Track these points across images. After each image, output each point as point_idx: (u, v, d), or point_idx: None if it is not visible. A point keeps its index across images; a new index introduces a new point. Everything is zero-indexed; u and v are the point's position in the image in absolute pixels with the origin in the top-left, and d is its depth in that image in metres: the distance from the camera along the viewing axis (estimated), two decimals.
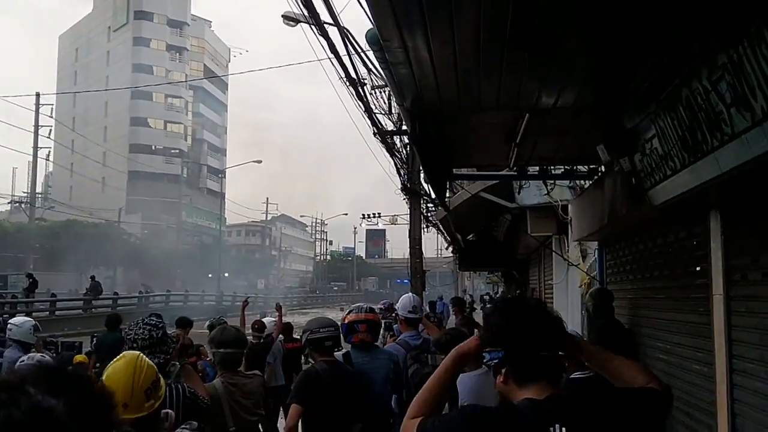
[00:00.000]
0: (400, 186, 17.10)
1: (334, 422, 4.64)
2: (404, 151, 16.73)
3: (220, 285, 57.90)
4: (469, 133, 6.16)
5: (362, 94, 11.62)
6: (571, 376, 5.06)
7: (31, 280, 29.74)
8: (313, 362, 4.88)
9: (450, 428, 1.89)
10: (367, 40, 4.24)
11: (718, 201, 4.01)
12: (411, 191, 16.15)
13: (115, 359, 2.91)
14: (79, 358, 12.63)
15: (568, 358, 5.03)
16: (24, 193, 55.53)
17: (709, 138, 3.12)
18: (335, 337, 4.92)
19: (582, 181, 9.81)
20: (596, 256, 8.27)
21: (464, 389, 4.85)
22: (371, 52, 7.05)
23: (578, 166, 7.73)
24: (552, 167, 7.76)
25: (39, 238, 50.40)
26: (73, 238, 50.26)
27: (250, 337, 9.32)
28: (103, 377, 2.81)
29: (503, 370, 2.02)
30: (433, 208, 18.46)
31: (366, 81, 11.41)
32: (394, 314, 6.40)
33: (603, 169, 7.26)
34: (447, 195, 14.57)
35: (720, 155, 3.04)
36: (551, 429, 1.80)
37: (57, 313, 29.42)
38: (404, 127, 15.98)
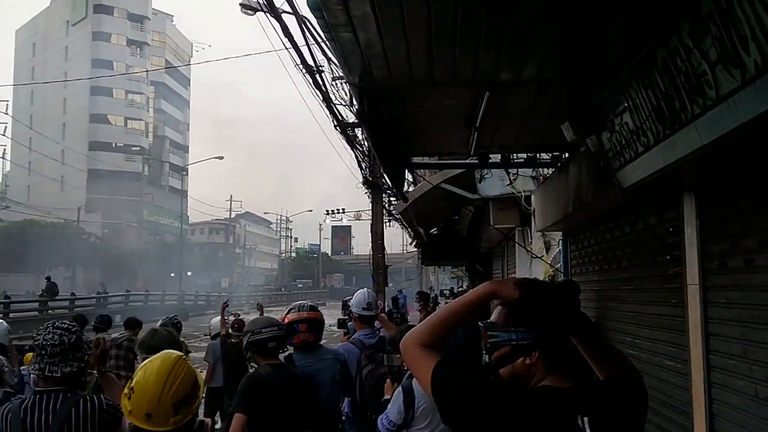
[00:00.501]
0: (362, 180, 16.71)
1: (282, 431, 4.20)
2: (366, 144, 16.36)
3: (183, 284, 56.90)
4: (426, 117, 5.75)
5: (320, 82, 11.16)
6: None
7: None
8: (256, 366, 4.42)
9: (465, 395, 1.75)
10: (309, 6, 3.81)
11: (694, 180, 3.64)
12: (372, 185, 15.73)
13: (152, 357, 2.60)
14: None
15: None
16: None
17: (689, 105, 2.73)
18: (280, 338, 4.47)
19: (546, 170, 9.55)
20: (560, 247, 7.94)
21: (421, 390, 4.48)
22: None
23: (541, 154, 7.40)
24: (514, 156, 7.40)
25: None
26: (30, 239, 48.81)
27: (231, 338, 8.91)
28: (134, 379, 2.53)
29: (535, 353, 1.86)
30: (396, 202, 18.07)
31: (323, 68, 10.94)
32: (348, 311, 5.96)
33: (566, 156, 6.94)
34: (408, 187, 14.21)
35: (701, 124, 2.66)
36: (574, 418, 1.77)
37: (11, 315, 28.27)
38: None
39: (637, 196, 4.01)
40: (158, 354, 2.66)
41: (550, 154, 7.27)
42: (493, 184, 10.00)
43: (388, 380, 4.92)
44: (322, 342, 5.00)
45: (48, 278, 32.61)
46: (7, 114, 52.01)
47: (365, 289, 5.77)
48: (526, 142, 6.80)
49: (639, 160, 3.41)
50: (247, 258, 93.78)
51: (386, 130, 5.60)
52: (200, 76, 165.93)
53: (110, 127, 78.31)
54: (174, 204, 75.80)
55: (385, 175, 16.48)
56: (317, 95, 11.23)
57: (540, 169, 9.65)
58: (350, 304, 5.75)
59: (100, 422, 3.11)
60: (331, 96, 13.23)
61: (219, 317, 9.57)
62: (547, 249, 9.50)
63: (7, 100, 53.95)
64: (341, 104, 15.13)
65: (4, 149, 57.76)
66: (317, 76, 10.74)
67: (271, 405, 4.13)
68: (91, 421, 3.09)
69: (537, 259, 9.94)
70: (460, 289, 26.82)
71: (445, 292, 22.77)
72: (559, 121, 5.67)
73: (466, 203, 10.97)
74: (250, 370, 4.59)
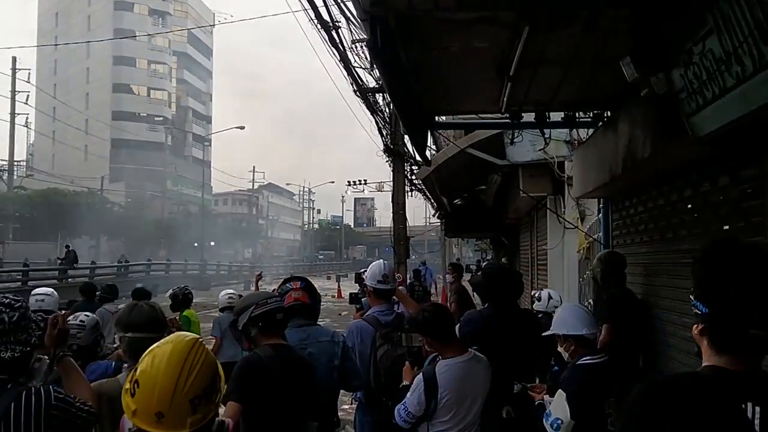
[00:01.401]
0: (382, 147, 16.00)
1: (283, 423, 3.58)
2: (387, 110, 15.65)
3: (207, 254, 56.92)
4: (451, 64, 5.01)
5: (336, 40, 10.44)
6: (580, 361, 4.07)
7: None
8: (253, 348, 3.78)
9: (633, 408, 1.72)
10: None
11: None
12: (393, 152, 15.03)
13: (160, 342, 2.02)
14: None
15: (574, 339, 3.96)
16: (4, 161, 53.97)
17: None
18: (284, 309, 3.83)
19: (584, 132, 8.78)
20: (600, 215, 7.20)
21: (446, 379, 3.84)
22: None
23: (580, 113, 6.64)
24: (549, 115, 6.65)
25: (18, 207, 48.94)
26: (53, 207, 48.84)
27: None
28: (138, 369, 1.95)
29: (700, 326, 1.77)
30: (418, 170, 17.35)
31: (340, 24, 10.20)
32: (362, 285, 5.29)
33: (608, 115, 6.18)
34: (432, 152, 13.48)
35: None
36: (743, 406, 1.61)
37: (30, 283, 28.16)
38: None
39: (714, 148, 3.26)
40: (169, 337, 2.03)
41: (590, 114, 6.50)
42: (524, 149, 9.24)
43: (407, 363, 4.29)
44: (325, 321, 4.34)
45: (67, 246, 32.51)
46: (29, 82, 51.93)
47: (381, 260, 5.12)
48: (563, 98, 6.04)
49: (727, 98, 2.67)
50: (270, 229, 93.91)
51: (405, 81, 4.87)
52: (223, 47, 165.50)
53: (133, 97, 78.47)
54: (197, 174, 75.85)
55: (406, 142, 15.77)
56: (334, 54, 10.53)
57: (576, 133, 8.95)
58: (365, 276, 5.10)
59: (46, 420, 2.49)
60: (350, 58, 12.56)
61: (227, 291, 9.01)
62: (582, 219, 8.77)
63: (29, 69, 53.70)
64: (361, 68, 14.47)
65: (27, 117, 57.61)
66: (333, 33, 10.03)
67: (269, 392, 3.51)
68: (35, 419, 2.48)
69: (570, 231, 9.22)
70: (487, 261, 26.13)
71: (471, 267, 21.97)
72: (605, 70, 4.92)
73: (494, 170, 10.23)
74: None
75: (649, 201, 5.17)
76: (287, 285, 4.28)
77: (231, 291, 9.12)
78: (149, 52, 79.95)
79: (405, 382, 4.15)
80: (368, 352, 4.70)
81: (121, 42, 74.62)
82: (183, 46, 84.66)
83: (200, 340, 2.03)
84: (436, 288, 26.81)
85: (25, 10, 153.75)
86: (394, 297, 5.11)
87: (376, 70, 15.20)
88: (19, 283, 27.83)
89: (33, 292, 7.51)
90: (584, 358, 4.08)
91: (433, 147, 16.53)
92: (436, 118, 6.93)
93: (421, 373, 3.94)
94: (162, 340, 2.00)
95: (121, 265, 37.73)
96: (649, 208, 5.19)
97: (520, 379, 4.66)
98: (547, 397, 4.36)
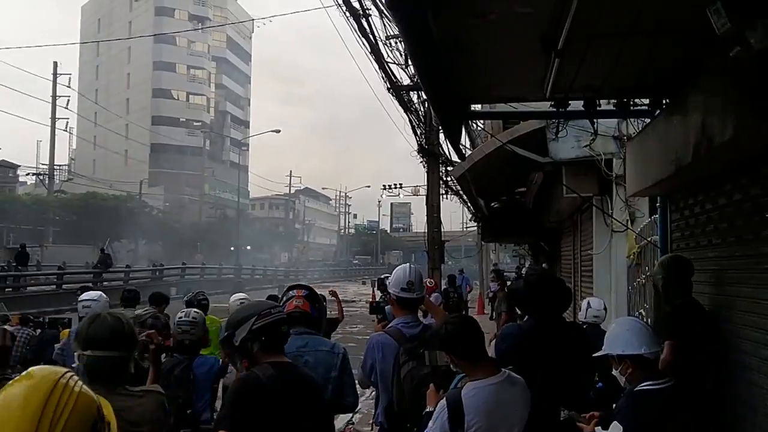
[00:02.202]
0: (416, 148, 15.38)
1: None
2: (421, 109, 15.06)
3: (243, 258, 56.92)
4: (489, 37, 4.34)
5: (366, 29, 9.86)
6: (638, 387, 3.37)
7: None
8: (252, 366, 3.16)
9: None
10: None
11: None
12: (428, 152, 14.41)
13: (15, 379, 1.46)
14: (65, 333, 11.61)
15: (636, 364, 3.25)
16: (45, 165, 54.61)
17: None
18: (288, 321, 3.21)
19: (633, 128, 8.03)
20: (654, 216, 6.44)
21: (473, 405, 3.15)
22: None
23: (634, 100, 5.91)
24: (600, 102, 5.92)
25: (58, 211, 49.49)
26: (93, 211, 49.24)
27: None
28: None
29: None
30: (454, 166, 16.65)
31: (371, 12, 9.61)
32: (384, 293, 4.63)
33: (667, 102, 5.43)
34: (467, 151, 12.79)
35: None
36: None
37: (64, 286, 28.19)
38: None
39: None
40: (26, 373, 1.42)
41: (648, 100, 5.76)
42: (568, 145, 8.47)
43: (431, 386, 3.62)
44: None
45: (102, 249, 32.57)
46: (70, 87, 52.51)
47: (408, 264, 4.46)
48: (616, 84, 5.34)
49: None
50: (306, 233, 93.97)
51: (434, 54, 4.21)
52: (262, 52, 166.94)
53: (173, 102, 79.39)
54: (235, 179, 76.24)
55: (441, 142, 15.11)
56: (364, 45, 9.94)
57: (626, 128, 8.22)
58: (388, 282, 4.44)
59: None
60: (384, 53, 11.98)
61: (239, 295, 8.43)
62: (632, 221, 8.03)
63: (71, 74, 54.38)
64: (395, 63, 13.88)
65: (68, 122, 58.40)
66: (363, 21, 9.45)
67: (269, 420, 2.91)
68: None
69: (619, 234, 8.46)
70: (527, 267, 25.21)
71: (508, 275, 21.07)
72: (669, 43, 4.21)
73: (535, 168, 9.50)
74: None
75: (721, 197, 4.40)
76: (290, 292, 3.96)
77: (242, 295, 8.55)
78: (189, 57, 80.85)
79: (429, 408, 3.50)
80: (391, 371, 4.06)
81: (161, 47, 75.68)
82: (222, 52, 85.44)
83: (71, 375, 1.40)
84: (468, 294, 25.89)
85: (69, 16, 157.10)
86: (421, 307, 4.46)
87: (411, 68, 14.70)
88: (54, 286, 27.90)
89: (80, 298, 7.12)
90: (644, 384, 3.39)
91: (469, 147, 15.85)
92: (472, 107, 6.26)
93: (444, 398, 3.28)
94: (20, 376, 1.38)
95: (155, 269, 37.71)
96: (721, 205, 4.42)
97: (566, 406, 3.97)
98: (599, 430, 3.66)
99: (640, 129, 6.38)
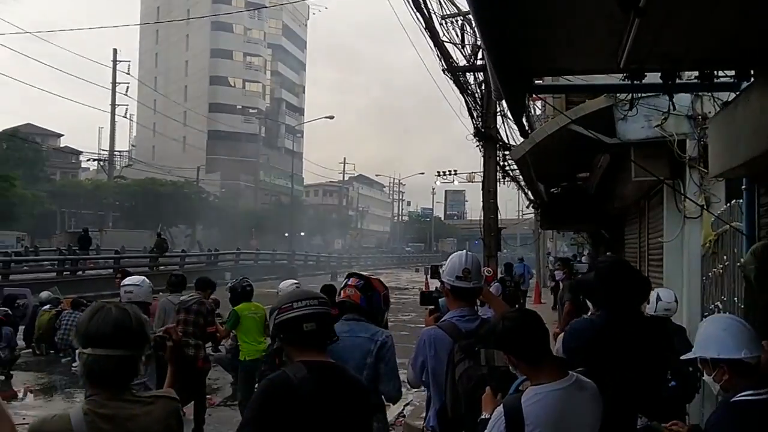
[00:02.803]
0: (472, 131, 14.83)
1: None
2: (478, 91, 14.52)
3: (296, 245, 57.34)
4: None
5: (423, 7, 9.39)
6: (736, 398, 2.85)
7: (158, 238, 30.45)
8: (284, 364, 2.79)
9: None
10: None
11: None
12: (484, 136, 13.86)
13: None
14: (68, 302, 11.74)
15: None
16: (105, 151, 55.98)
17: None
18: (321, 317, 2.74)
19: (708, 107, 7.38)
20: (739, 200, 5.82)
21: (535, 412, 2.73)
22: None
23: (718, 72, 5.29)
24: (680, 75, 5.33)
25: (117, 196, 50.67)
26: (151, 197, 50.24)
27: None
28: None
29: None
30: (510, 158, 16.04)
31: None
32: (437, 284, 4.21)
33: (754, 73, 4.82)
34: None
35: None
36: None
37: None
38: (478, 62, 13.74)
39: None
40: None
41: (733, 71, 5.15)
42: (637, 125, 7.85)
43: (487, 389, 3.19)
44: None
45: (158, 234, 33.04)
46: (129, 74, 53.62)
47: (464, 250, 4.02)
48: (697, 55, 4.76)
49: None
50: (360, 220, 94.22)
51: (497, 15, 3.73)
52: (317, 40, 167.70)
53: (229, 89, 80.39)
54: (289, 165, 76.93)
55: (498, 124, 14.56)
56: (418, 19, 9.48)
57: (700, 106, 7.58)
58: (442, 270, 4.00)
59: None
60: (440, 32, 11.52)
61: (288, 282, 8.10)
62: (707, 206, 7.41)
63: (129, 61, 55.55)
64: (451, 43, 13.38)
65: (127, 108, 59.73)
66: None
67: (299, 425, 2.54)
68: None
69: (692, 220, 7.84)
70: (588, 255, 24.41)
71: (579, 267, 20.28)
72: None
73: (601, 150, 8.89)
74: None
75: None
76: (348, 280, 3.96)
77: (292, 281, 8.25)
78: (245, 45, 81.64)
79: (484, 415, 3.06)
80: (444, 370, 3.63)
81: (218, 35, 76.54)
82: (278, 39, 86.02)
83: None
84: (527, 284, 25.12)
85: (129, 3, 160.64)
86: (479, 298, 4.01)
87: (467, 47, 14.16)
88: (111, 270, 28.37)
89: (123, 283, 7.10)
90: (743, 393, 2.86)
91: (528, 130, 15.21)
92: (536, 81, 5.74)
93: (501, 405, 2.84)
94: None
95: (210, 254, 38.12)
96: None
97: (646, 413, 3.48)
98: None
99: (723, 104, 5.77)
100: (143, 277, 7.26)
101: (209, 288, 8.76)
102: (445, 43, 12.48)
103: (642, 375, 3.51)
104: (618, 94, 7.10)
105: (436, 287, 4.21)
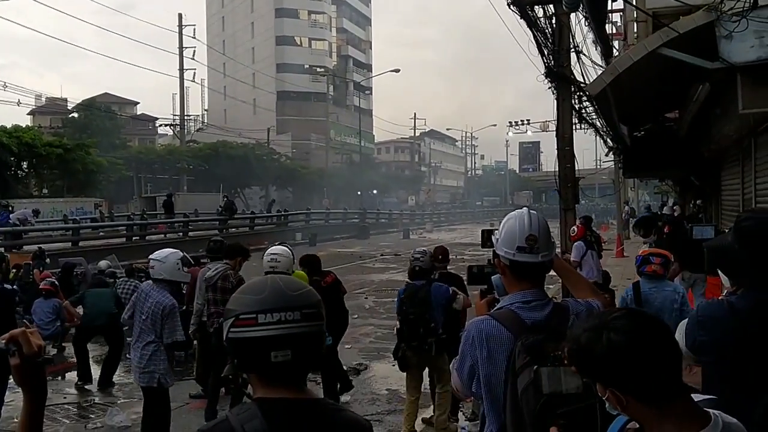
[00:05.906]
0: (544, 71, 13.37)
1: None
2: (549, 27, 13.00)
3: (368, 203, 56.87)
4: None
5: None
6: None
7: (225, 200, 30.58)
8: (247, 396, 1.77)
9: None
10: None
11: None
12: (557, 75, 12.38)
13: None
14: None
15: None
16: (176, 115, 56.42)
17: None
18: (304, 339, 1.62)
19: None
20: None
21: None
22: None
23: None
24: None
25: (190, 160, 51.13)
26: (223, 159, 50.45)
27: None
28: None
29: None
30: (588, 102, 14.46)
31: None
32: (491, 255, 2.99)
33: None
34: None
35: None
36: None
37: (190, 234, 28.58)
38: None
39: None
40: None
41: None
42: (746, 43, 6.38)
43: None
44: None
45: (225, 196, 32.83)
46: (195, 38, 53.44)
47: (524, 209, 2.85)
48: None
49: None
50: (433, 176, 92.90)
51: None
52: None
53: (295, 49, 79.83)
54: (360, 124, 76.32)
55: (572, 63, 13.06)
56: None
57: None
58: (495, 237, 2.86)
59: None
60: None
61: (279, 248, 7.02)
62: None
63: (195, 24, 55.40)
64: None
65: (195, 72, 59.93)
66: None
67: None
68: None
69: None
70: (669, 206, 22.60)
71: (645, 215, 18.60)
72: None
73: (698, 78, 7.44)
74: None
75: None
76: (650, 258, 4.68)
77: (281, 248, 7.18)
78: (309, 2, 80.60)
79: None
80: (501, 377, 2.54)
81: None
82: None
83: None
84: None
85: None
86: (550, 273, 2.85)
87: None
88: (180, 234, 28.32)
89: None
90: None
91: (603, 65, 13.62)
92: None
93: None
94: None
95: (280, 215, 37.83)
96: None
97: None
98: None
99: None
100: (172, 250, 6.13)
101: (239, 255, 7.74)
102: None
103: None
104: (723, 3, 5.71)
105: (488, 260, 3.03)
